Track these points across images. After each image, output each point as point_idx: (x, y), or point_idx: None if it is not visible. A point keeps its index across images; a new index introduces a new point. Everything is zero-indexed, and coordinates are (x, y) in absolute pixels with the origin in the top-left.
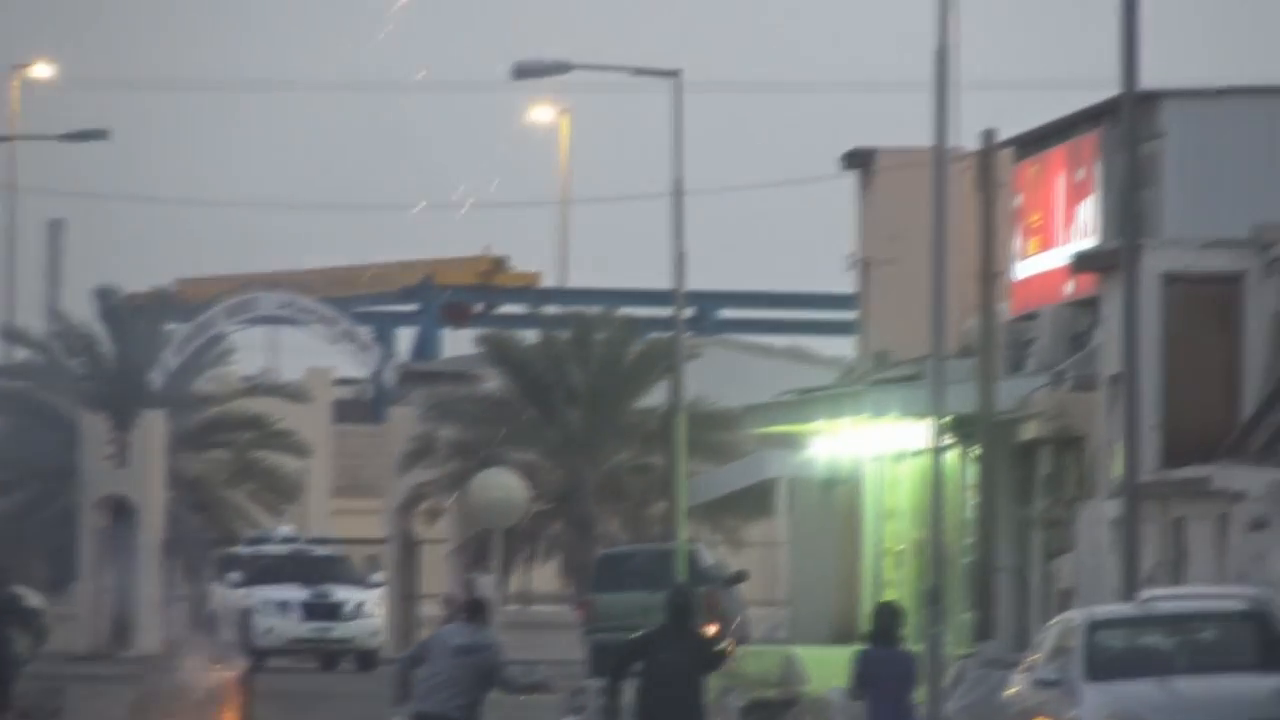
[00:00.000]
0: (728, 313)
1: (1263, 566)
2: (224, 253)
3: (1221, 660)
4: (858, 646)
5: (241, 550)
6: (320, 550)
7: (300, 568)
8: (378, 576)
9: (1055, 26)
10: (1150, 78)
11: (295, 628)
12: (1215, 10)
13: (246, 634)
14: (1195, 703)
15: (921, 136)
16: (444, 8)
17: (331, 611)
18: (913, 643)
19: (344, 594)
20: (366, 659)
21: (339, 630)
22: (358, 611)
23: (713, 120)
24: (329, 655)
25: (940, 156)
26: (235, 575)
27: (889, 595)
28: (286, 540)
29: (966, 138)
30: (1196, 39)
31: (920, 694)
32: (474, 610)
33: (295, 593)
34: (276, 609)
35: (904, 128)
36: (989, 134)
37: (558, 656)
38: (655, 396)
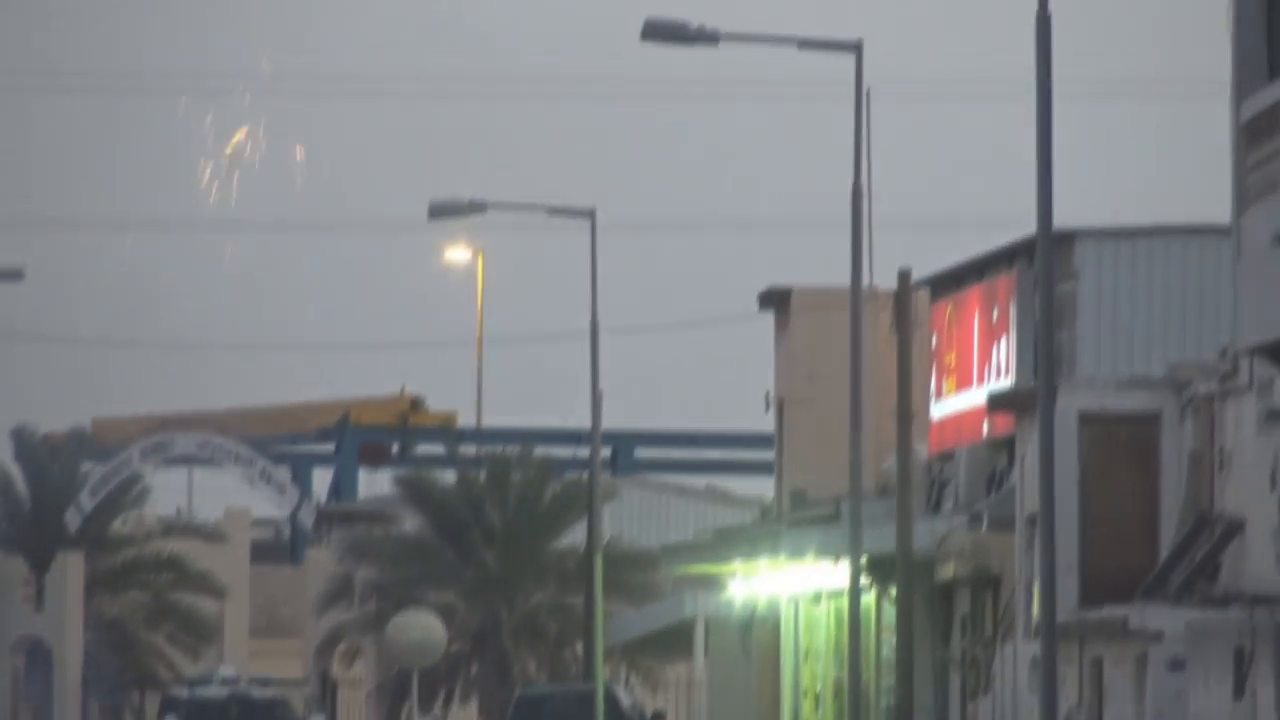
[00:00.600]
0: (645, 452)
1: (1181, 707)
2: (140, 393)
3: None
4: None
5: (181, 692)
6: (260, 692)
7: (240, 711)
8: (317, 718)
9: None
10: (1065, 216)
11: None
12: (1128, 151)
13: None
14: None
15: (838, 276)
16: (363, 149)
17: None
18: None
19: None
20: None
21: None
22: None
23: (629, 259)
24: None
25: (856, 296)
26: (172, 718)
27: None
28: (226, 682)
29: (883, 277)
30: (1110, 179)
31: None
32: None
33: None
34: None
35: (821, 267)
36: (905, 274)
37: None
38: (573, 536)
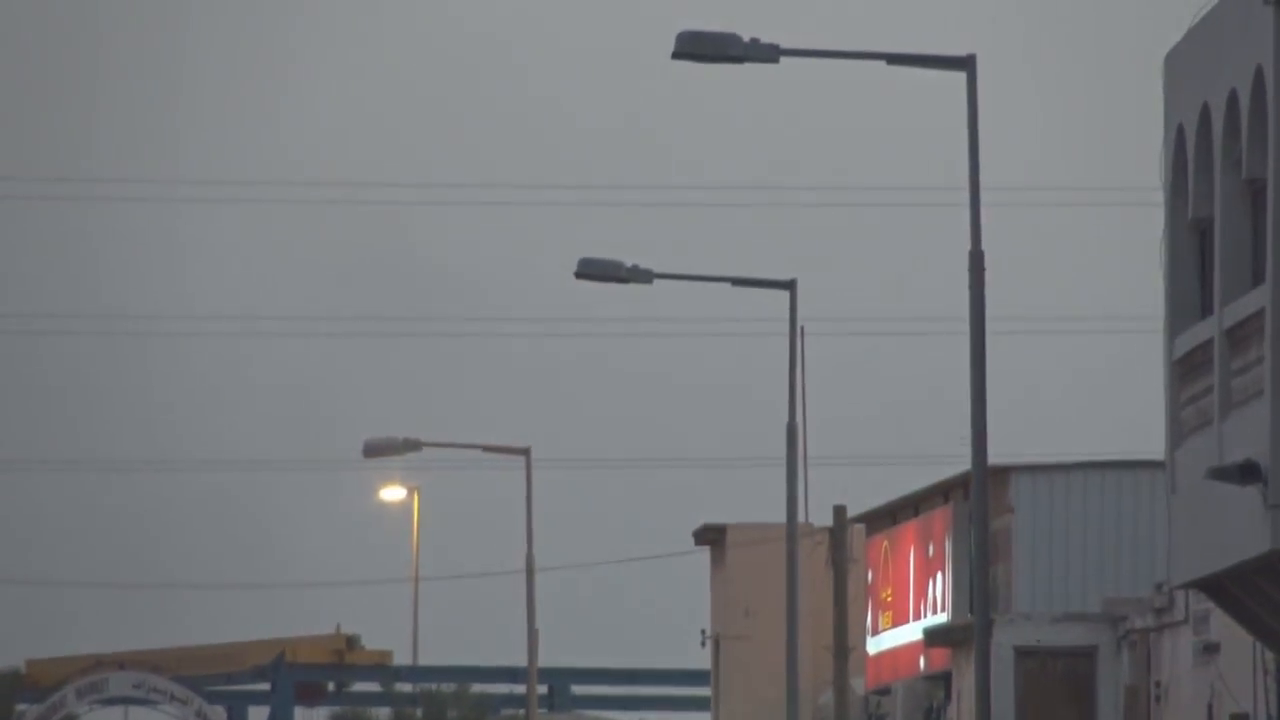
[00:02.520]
0: (581, 689)
1: None
2: (74, 633)
3: None
4: None
5: None
6: None
7: None
8: None
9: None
10: (1000, 451)
11: None
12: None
13: None
14: None
15: (773, 512)
16: (297, 388)
17: None
18: None
19: None
20: None
21: None
22: None
23: (564, 496)
24: None
25: (792, 532)
26: None
27: None
28: None
29: (818, 513)
30: (1044, 414)
31: None
32: None
33: None
34: None
35: (758, 504)
36: (840, 509)
37: None
38: None
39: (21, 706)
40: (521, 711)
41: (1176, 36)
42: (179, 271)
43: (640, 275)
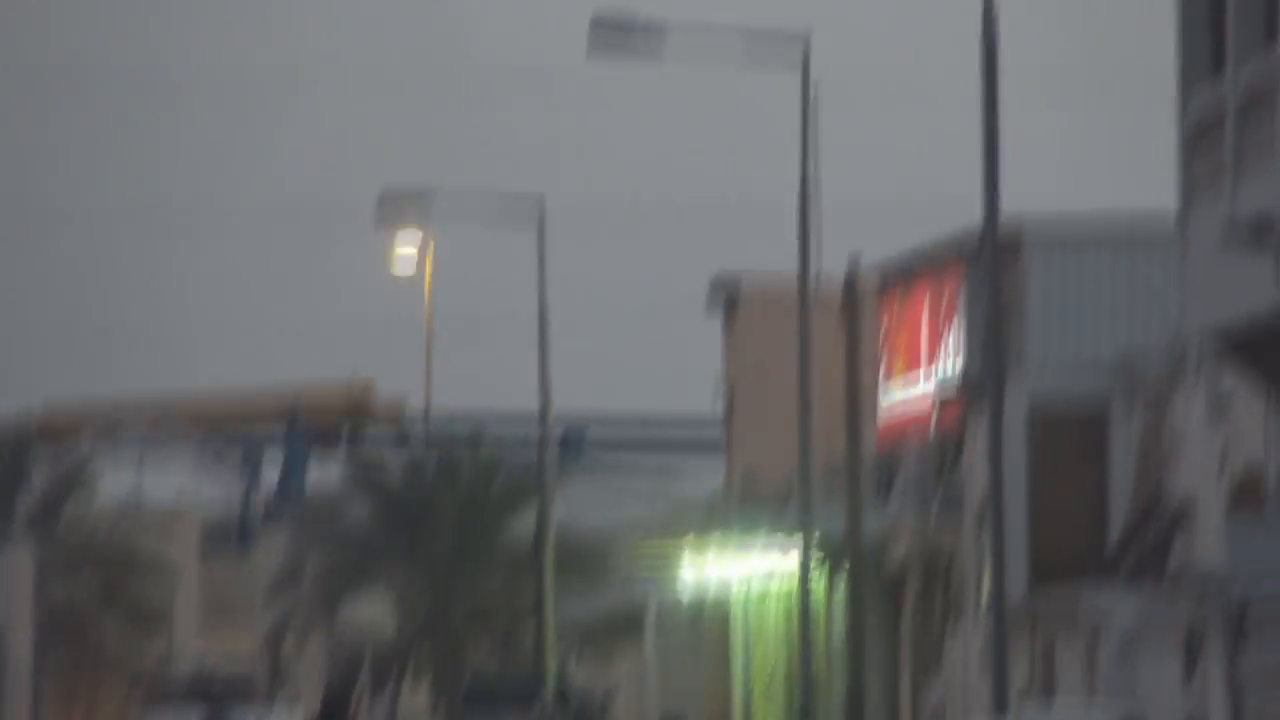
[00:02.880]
0: (597, 436)
1: (1132, 687)
2: (91, 378)
3: None
4: None
5: (146, 671)
6: (224, 672)
7: (203, 689)
8: (282, 698)
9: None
10: (1014, 205)
11: None
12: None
13: None
14: None
15: (787, 263)
16: (314, 138)
17: None
18: None
19: (241, 715)
20: None
21: None
22: None
23: (579, 247)
24: None
25: (804, 284)
26: (138, 696)
27: (759, 717)
28: (191, 665)
29: (832, 265)
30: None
31: None
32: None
33: (193, 715)
34: None
35: (771, 254)
36: (854, 260)
37: None
38: (524, 520)
39: (37, 452)
40: (536, 459)
41: None
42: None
43: (655, 28)
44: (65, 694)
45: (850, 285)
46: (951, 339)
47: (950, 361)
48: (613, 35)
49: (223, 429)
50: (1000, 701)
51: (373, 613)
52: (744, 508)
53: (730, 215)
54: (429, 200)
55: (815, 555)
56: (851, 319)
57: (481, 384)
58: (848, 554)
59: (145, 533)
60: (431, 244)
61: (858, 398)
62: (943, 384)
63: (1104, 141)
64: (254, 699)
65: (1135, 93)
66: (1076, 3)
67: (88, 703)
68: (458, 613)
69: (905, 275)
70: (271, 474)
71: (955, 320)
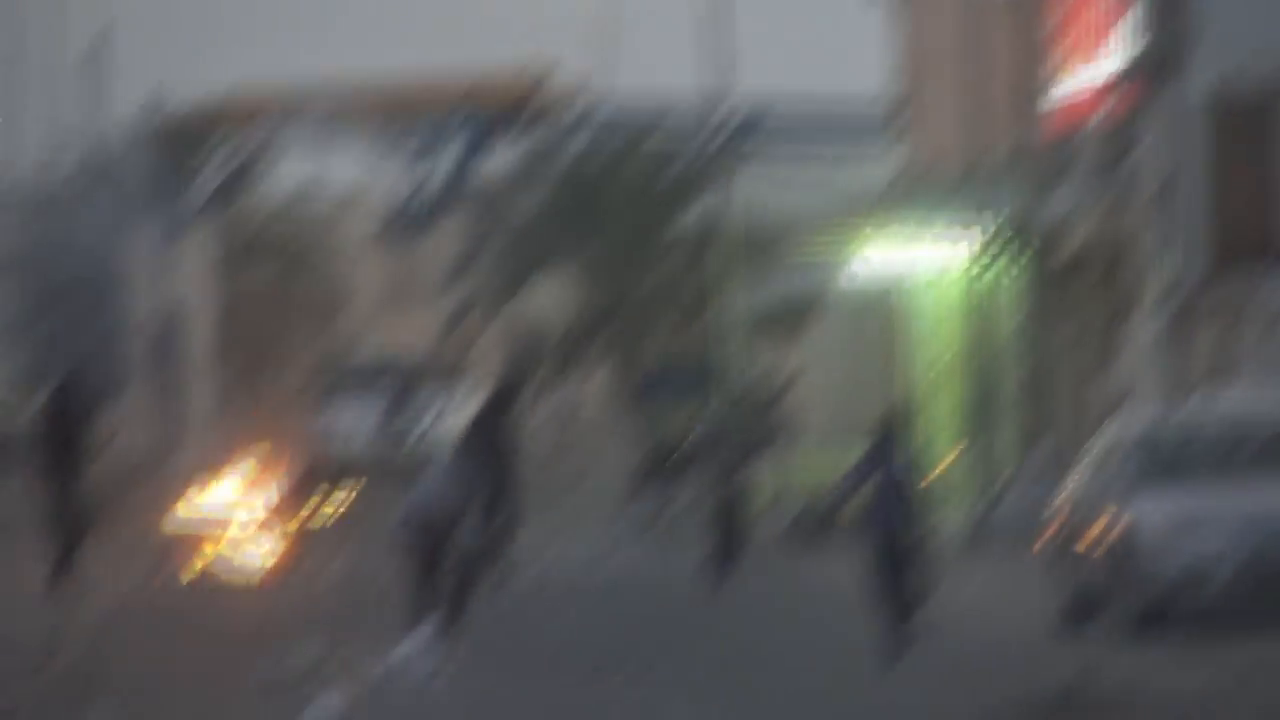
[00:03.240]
0: (772, 123)
1: None
2: (274, 66)
3: (1274, 460)
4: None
5: (327, 360)
6: (403, 360)
7: (382, 378)
8: (459, 387)
9: None
10: None
11: (375, 435)
12: None
13: (327, 442)
14: (1247, 503)
15: None
16: None
17: (410, 420)
18: (964, 450)
19: (424, 402)
20: None
21: (416, 438)
22: (435, 420)
23: None
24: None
25: None
26: (318, 384)
27: (936, 403)
28: (372, 351)
29: None
30: None
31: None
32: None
33: (375, 402)
34: (357, 418)
35: None
36: None
37: (605, 464)
38: (699, 208)
39: (219, 138)
40: (714, 146)
41: None
42: None
43: None
44: (246, 380)
45: None
46: (1128, 22)
47: (1127, 44)
48: None
49: (400, 116)
50: (1176, 388)
51: (549, 301)
52: (919, 196)
53: None
54: None
55: (989, 243)
56: (1026, 9)
57: (656, 74)
58: (1022, 242)
59: (324, 220)
60: None
61: (1033, 83)
62: (1119, 68)
63: None
64: (432, 386)
65: None
66: None
67: (268, 389)
68: (634, 301)
69: None
70: (449, 161)
71: (1133, 5)
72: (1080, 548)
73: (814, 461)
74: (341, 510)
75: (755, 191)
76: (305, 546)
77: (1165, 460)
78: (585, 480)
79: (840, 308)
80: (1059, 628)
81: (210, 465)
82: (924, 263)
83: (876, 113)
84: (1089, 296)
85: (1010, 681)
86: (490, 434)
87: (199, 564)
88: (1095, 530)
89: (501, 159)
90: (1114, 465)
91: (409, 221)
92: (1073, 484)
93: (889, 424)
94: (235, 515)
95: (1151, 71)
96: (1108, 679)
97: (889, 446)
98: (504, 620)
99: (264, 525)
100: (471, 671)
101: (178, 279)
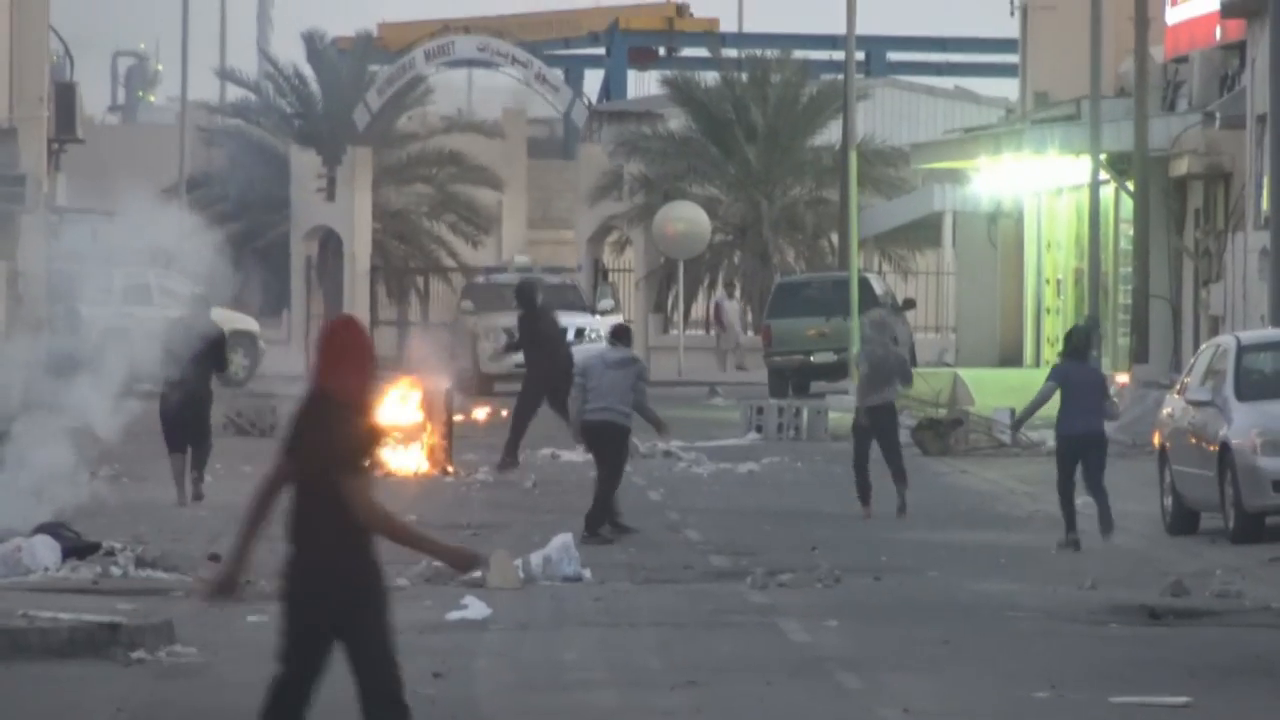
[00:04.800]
0: (896, 56)
1: None
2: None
3: None
4: (1052, 362)
5: (478, 279)
6: (552, 279)
7: (529, 294)
8: (605, 303)
9: None
10: None
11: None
12: None
13: (474, 358)
14: None
15: None
16: None
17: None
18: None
19: (567, 320)
20: None
21: None
22: (580, 337)
23: None
24: None
25: None
26: (467, 303)
27: (1049, 322)
28: (520, 269)
29: None
30: None
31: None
32: (620, 334)
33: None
34: (501, 334)
35: None
36: None
37: (738, 378)
38: (829, 135)
39: (374, 67)
40: (840, 76)
41: None
42: None
43: None
44: (400, 294)
45: None
46: None
47: None
48: None
49: (545, 49)
50: (1278, 307)
51: (691, 217)
52: (1037, 123)
53: None
54: None
55: (1103, 166)
56: None
57: (789, 7)
58: (1134, 162)
59: (475, 143)
60: None
61: (1145, 14)
62: (1227, 1)
63: None
64: (577, 303)
65: None
66: None
67: (421, 303)
68: (766, 221)
69: None
70: (593, 89)
71: None
72: (1185, 458)
73: (934, 376)
74: (487, 420)
75: (881, 118)
76: (455, 455)
77: (1265, 376)
78: (716, 394)
79: (963, 228)
80: (1167, 532)
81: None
82: (1042, 185)
83: (998, 40)
84: (1196, 217)
85: (1121, 583)
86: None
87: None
88: (1198, 441)
89: (644, 86)
90: (1217, 380)
91: (556, 144)
92: (1178, 397)
93: (1074, 340)
94: (390, 424)
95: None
96: (1209, 583)
97: (1077, 360)
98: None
99: (417, 434)
100: (610, 574)
101: (339, 197)
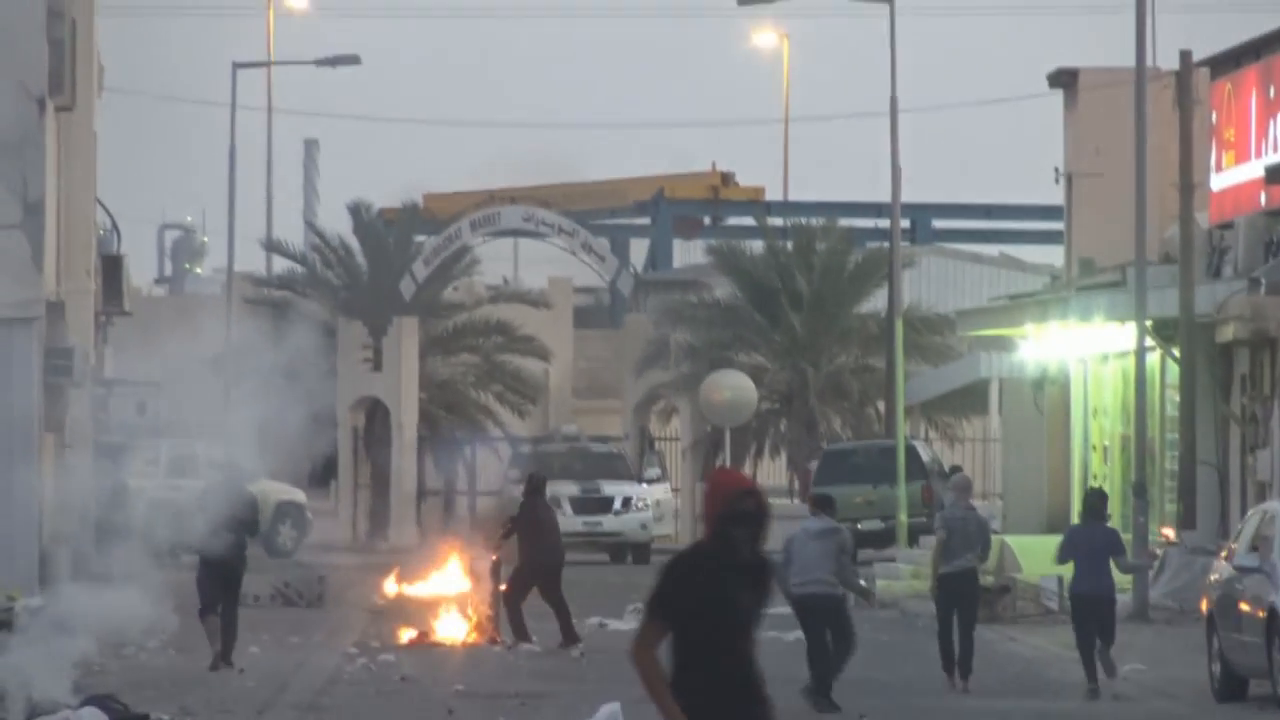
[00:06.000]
0: (941, 223)
1: None
2: (468, 170)
3: None
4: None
5: (525, 448)
6: (599, 448)
7: (576, 464)
8: (652, 472)
9: None
10: None
11: (566, 522)
12: None
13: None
14: None
15: (1123, 57)
16: None
17: (601, 506)
18: (1121, 531)
19: (613, 489)
20: (639, 551)
21: (607, 524)
22: (627, 506)
23: (925, 41)
24: (612, 548)
25: (1140, 76)
26: (514, 472)
27: (1097, 483)
28: (568, 439)
29: (1165, 58)
30: None
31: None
32: (822, 504)
33: (567, 488)
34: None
35: (1106, 48)
36: (1186, 54)
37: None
38: (874, 302)
39: (420, 238)
40: (885, 244)
41: None
42: None
43: None
44: (447, 463)
45: (1183, 76)
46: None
47: (1278, 147)
48: None
49: (591, 219)
50: None
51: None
52: (1082, 290)
53: (1066, 11)
54: None
55: (1149, 333)
56: (1185, 108)
57: (834, 176)
58: (1180, 329)
59: (521, 313)
60: (787, 41)
61: (1190, 182)
62: (1273, 165)
63: None
64: (624, 472)
65: None
66: None
67: (469, 472)
68: (813, 389)
69: (1235, 67)
70: (639, 258)
71: None
72: (1233, 624)
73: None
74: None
75: (927, 287)
76: (507, 621)
77: None
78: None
79: (1009, 395)
80: (1215, 698)
81: (419, 547)
82: (1088, 352)
83: (1043, 214)
84: (1242, 383)
85: None
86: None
87: (407, 636)
88: (1247, 607)
89: (689, 255)
90: (1264, 545)
91: (603, 314)
92: (1225, 562)
93: (1090, 502)
94: (443, 592)
95: None
96: None
97: (1093, 523)
98: None
99: (469, 602)
100: None
101: (385, 367)
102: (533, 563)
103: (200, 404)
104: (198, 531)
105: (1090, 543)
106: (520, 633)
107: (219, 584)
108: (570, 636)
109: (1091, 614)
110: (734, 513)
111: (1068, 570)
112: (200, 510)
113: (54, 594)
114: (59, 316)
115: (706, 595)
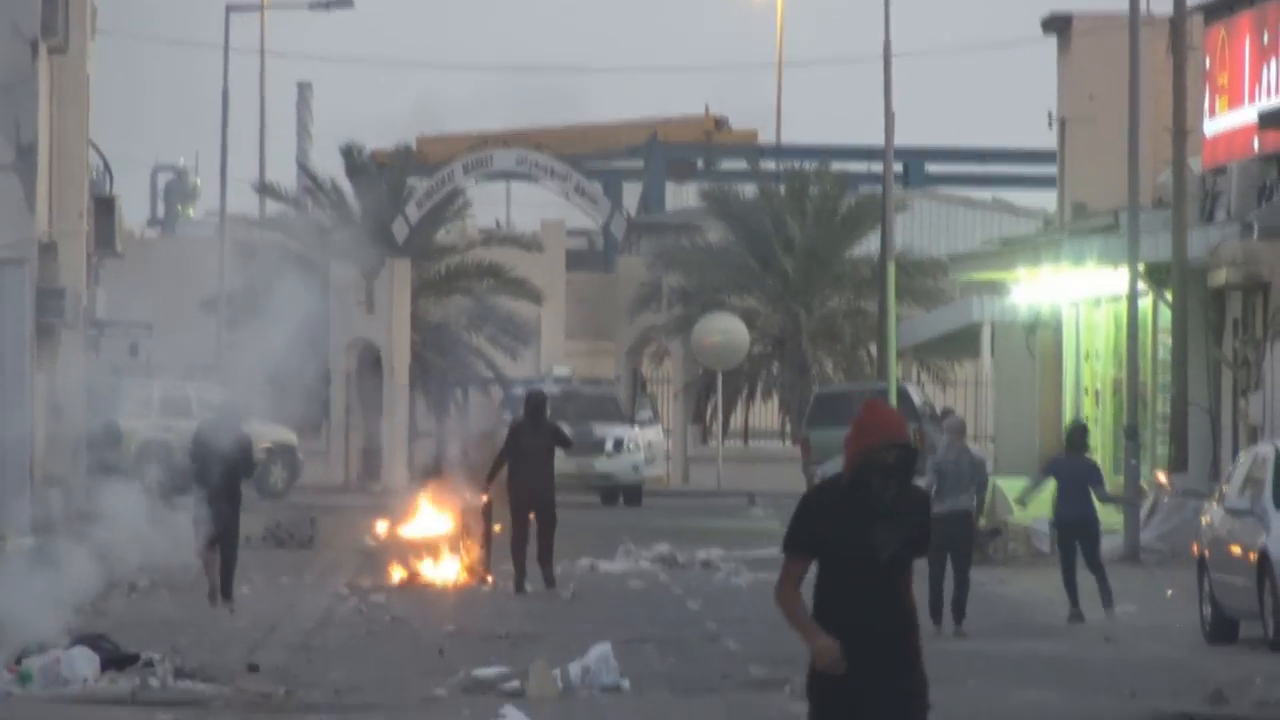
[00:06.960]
0: (934, 168)
1: None
2: (461, 113)
3: None
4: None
5: (516, 390)
6: (590, 390)
7: (568, 406)
8: (644, 414)
9: None
10: None
11: (558, 463)
12: None
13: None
14: None
15: (1117, 2)
16: None
17: (593, 448)
18: (1111, 474)
19: (605, 431)
20: (630, 493)
21: (599, 466)
22: (618, 448)
23: None
24: (603, 490)
25: (1134, 21)
26: (507, 414)
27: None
28: (559, 380)
29: (1159, 3)
30: None
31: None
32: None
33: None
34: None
35: None
36: (1180, 0)
37: (776, 488)
38: (867, 246)
39: (412, 180)
40: (879, 188)
41: None
42: None
43: None
44: (438, 405)
45: (1177, 22)
46: (1273, 71)
47: (1272, 92)
48: None
49: (584, 162)
50: None
51: (729, 328)
52: (1075, 234)
53: None
54: None
55: (1142, 277)
56: (1178, 53)
57: (827, 120)
58: (1173, 273)
59: (514, 256)
60: None
61: (1183, 127)
62: (1266, 111)
63: None
64: (616, 414)
65: None
66: None
67: (459, 413)
68: (805, 332)
69: (1229, 14)
70: (631, 202)
71: (1277, 53)
72: (1223, 566)
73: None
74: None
75: (919, 230)
76: (494, 566)
77: None
78: (754, 504)
79: (1001, 338)
80: (1206, 641)
81: (407, 489)
82: (1080, 296)
83: (1036, 152)
84: (1234, 328)
85: (1161, 692)
86: None
87: (396, 577)
88: (1238, 550)
89: (683, 199)
90: (1256, 488)
91: (596, 257)
92: (1217, 505)
93: (1072, 435)
94: (430, 535)
95: None
96: (1249, 692)
97: (1074, 455)
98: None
99: (457, 544)
100: (649, 684)
101: (378, 309)
102: (516, 498)
103: (192, 345)
104: (192, 470)
105: (1071, 473)
106: (520, 581)
107: (216, 521)
108: (549, 580)
109: (1074, 537)
110: (872, 464)
111: (1041, 496)
112: (194, 449)
113: (46, 533)
114: (51, 258)
115: (835, 534)
